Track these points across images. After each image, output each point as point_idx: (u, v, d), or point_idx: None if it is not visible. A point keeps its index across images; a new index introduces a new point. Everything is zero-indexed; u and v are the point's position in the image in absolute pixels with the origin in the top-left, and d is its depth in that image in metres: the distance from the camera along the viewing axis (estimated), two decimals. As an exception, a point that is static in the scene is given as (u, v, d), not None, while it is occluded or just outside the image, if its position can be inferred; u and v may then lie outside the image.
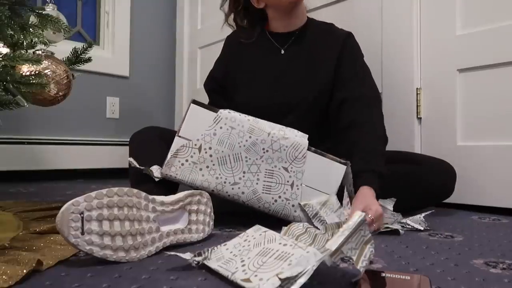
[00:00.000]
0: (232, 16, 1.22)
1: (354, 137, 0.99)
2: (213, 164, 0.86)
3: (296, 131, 0.91)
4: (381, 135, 1.03)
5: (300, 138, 0.89)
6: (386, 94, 1.41)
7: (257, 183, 0.86)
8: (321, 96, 1.10)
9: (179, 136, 0.87)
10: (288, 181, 0.87)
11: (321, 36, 1.16)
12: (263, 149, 0.87)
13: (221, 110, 0.88)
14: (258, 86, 1.14)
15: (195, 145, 0.86)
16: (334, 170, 0.89)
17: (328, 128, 1.13)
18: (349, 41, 1.15)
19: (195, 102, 0.89)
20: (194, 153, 0.86)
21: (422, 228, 0.92)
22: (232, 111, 0.89)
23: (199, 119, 0.88)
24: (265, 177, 0.87)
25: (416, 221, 0.94)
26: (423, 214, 0.96)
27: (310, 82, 1.11)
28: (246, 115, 0.90)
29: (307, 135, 0.90)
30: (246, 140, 0.86)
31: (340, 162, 0.89)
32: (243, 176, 0.86)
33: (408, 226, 0.92)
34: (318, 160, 0.88)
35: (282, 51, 1.17)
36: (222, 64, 1.24)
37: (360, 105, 1.04)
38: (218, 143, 0.86)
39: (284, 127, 0.90)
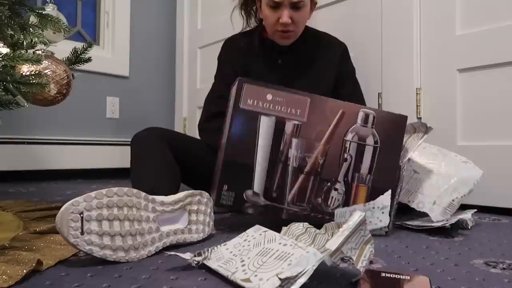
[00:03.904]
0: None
1: None
2: None
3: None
4: None
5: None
6: (386, 94, 1.41)
7: None
8: None
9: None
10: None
11: (318, 46, 1.19)
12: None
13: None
14: None
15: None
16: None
17: None
18: (346, 55, 1.21)
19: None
20: None
21: (471, 225, 0.93)
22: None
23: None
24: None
25: (467, 218, 0.94)
26: (471, 212, 0.97)
27: (307, 91, 1.11)
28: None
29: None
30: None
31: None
32: None
33: (466, 218, 0.92)
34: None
35: (279, 61, 1.17)
36: (229, 65, 1.21)
37: None
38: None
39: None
